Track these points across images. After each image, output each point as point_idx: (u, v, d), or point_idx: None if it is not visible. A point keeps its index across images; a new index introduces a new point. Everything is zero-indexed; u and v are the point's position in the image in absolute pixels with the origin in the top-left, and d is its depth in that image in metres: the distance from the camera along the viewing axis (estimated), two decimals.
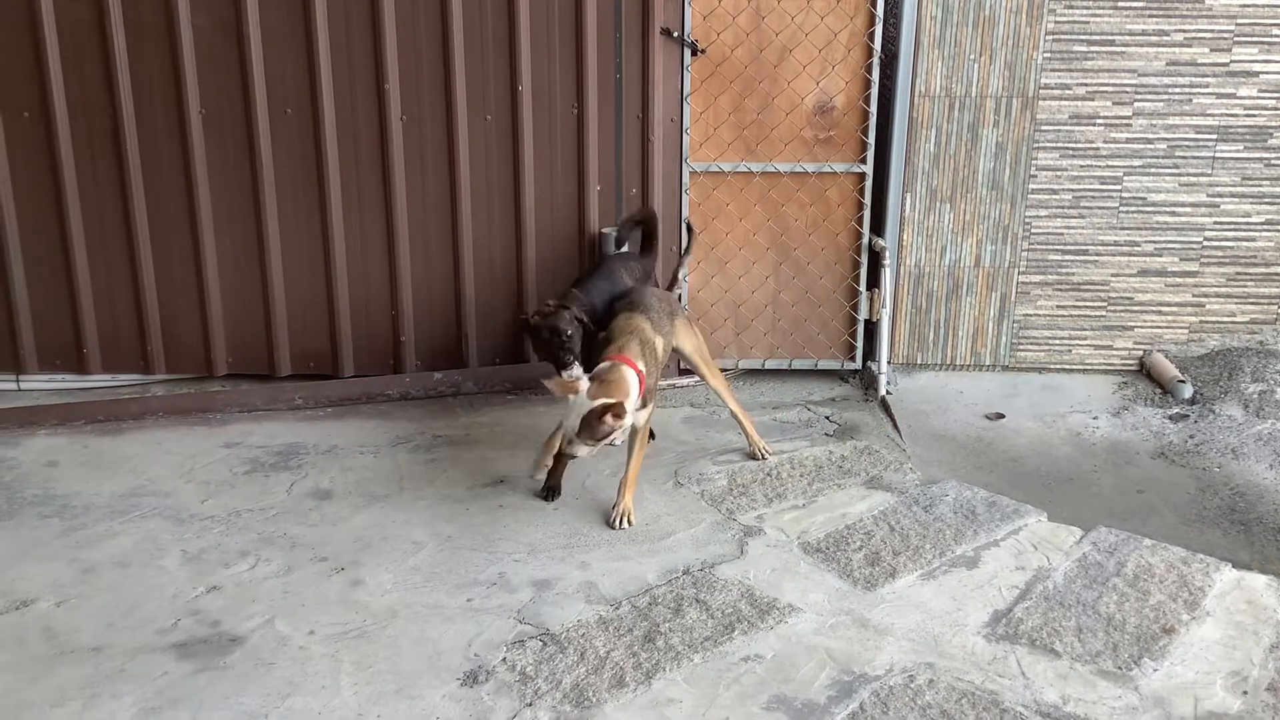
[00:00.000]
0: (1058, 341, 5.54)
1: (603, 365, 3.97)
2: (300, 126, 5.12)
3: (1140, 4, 5.10)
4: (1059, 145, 5.29)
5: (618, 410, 3.75)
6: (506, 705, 3.04)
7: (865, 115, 5.21)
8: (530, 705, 3.04)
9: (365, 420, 5.02)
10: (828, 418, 5.05)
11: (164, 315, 5.33)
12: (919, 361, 5.57)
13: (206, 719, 2.99)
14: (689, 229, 5.22)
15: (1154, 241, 5.40)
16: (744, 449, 4.62)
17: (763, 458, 4.54)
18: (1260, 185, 5.32)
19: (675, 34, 5.08)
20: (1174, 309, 5.49)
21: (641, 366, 3.99)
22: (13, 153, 5.11)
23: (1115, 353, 5.55)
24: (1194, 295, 5.47)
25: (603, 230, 5.22)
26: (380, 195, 5.20)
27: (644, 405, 4.03)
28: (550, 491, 4.26)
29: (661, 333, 4.26)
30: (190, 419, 5.03)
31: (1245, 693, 3.10)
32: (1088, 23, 5.13)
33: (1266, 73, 5.18)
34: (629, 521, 4.06)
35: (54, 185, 5.14)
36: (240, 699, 3.07)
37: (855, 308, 5.42)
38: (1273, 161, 5.28)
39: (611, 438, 3.83)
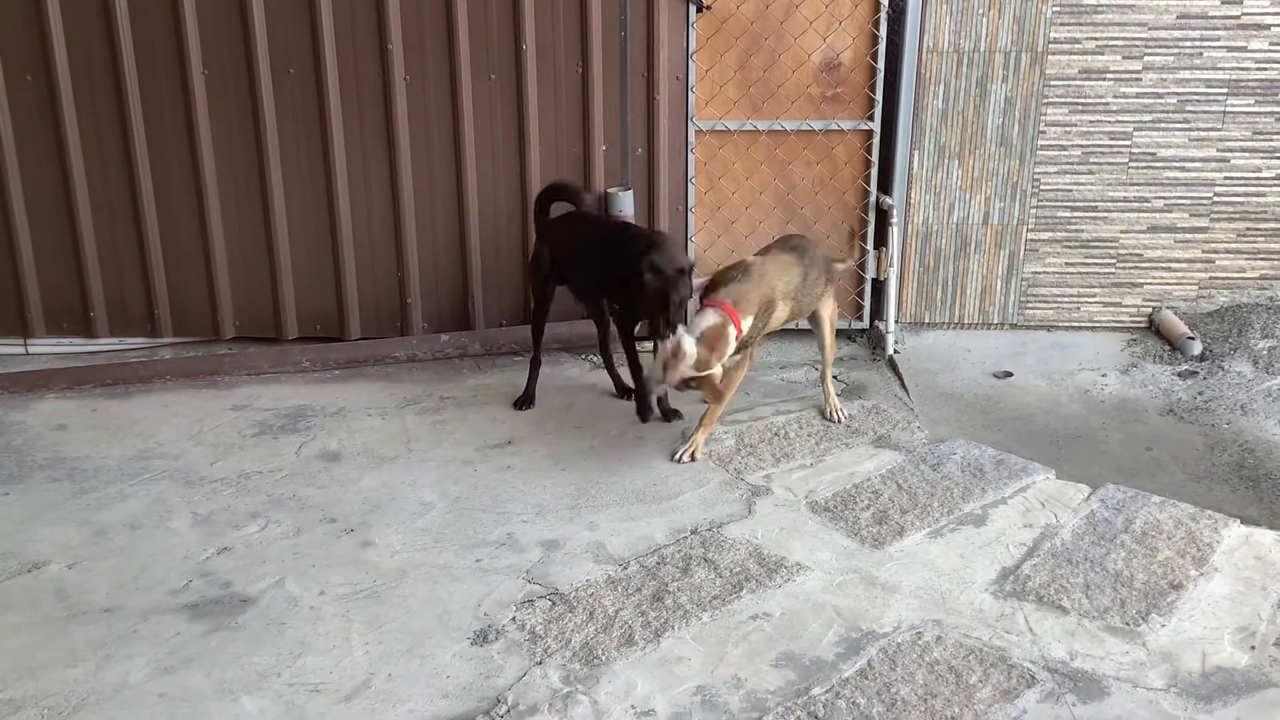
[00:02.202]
0: (1066, 299, 5.51)
1: (707, 318, 4.03)
2: (303, 87, 5.08)
3: None
4: (1068, 100, 5.24)
5: (675, 363, 3.94)
6: (516, 664, 3.06)
7: (873, 72, 5.16)
8: (540, 664, 3.05)
9: (373, 382, 5.03)
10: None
11: (170, 278, 5.32)
12: (926, 320, 5.56)
13: (219, 678, 3.01)
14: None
15: (1164, 197, 5.36)
16: (748, 409, 4.63)
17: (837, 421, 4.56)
18: (1271, 140, 5.27)
19: None
20: (1183, 265, 5.46)
21: (744, 319, 4.06)
22: (16, 116, 5.09)
23: (1124, 310, 5.53)
24: (1204, 251, 5.44)
25: (609, 190, 5.19)
26: (385, 156, 5.18)
27: (739, 350, 4.13)
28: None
29: (792, 296, 4.29)
30: (198, 382, 5.03)
31: (1253, 647, 3.11)
32: None
33: (1278, 25, 5.11)
34: (692, 457, 4.19)
35: (58, 148, 5.12)
36: (252, 659, 3.09)
37: (862, 266, 5.39)
38: None
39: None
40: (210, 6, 4.98)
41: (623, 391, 4.77)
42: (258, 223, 5.25)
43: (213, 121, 5.12)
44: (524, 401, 4.71)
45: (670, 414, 4.54)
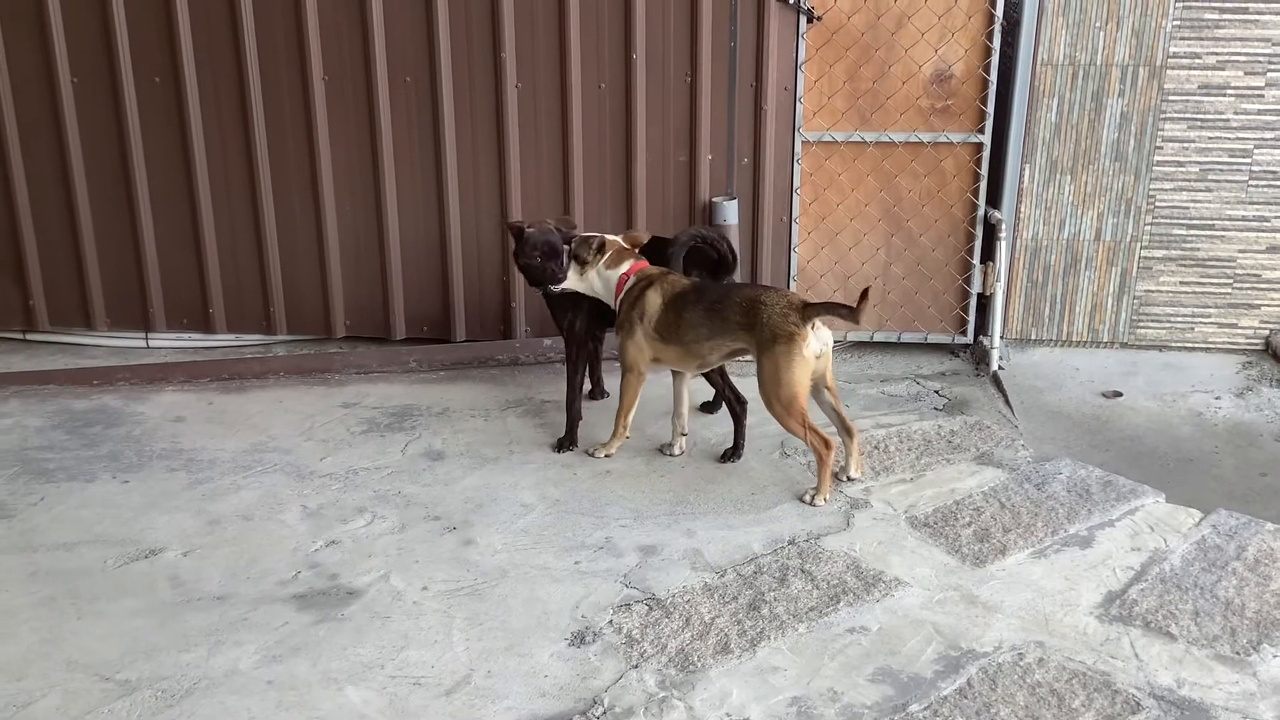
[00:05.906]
0: (1180, 319, 5.38)
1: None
2: (419, 94, 5.20)
3: None
4: (1187, 116, 5.12)
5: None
6: (613, 666, 3.09)
7: (984, 84, 5.10)
8: (636, 667, 3.08)
9: (476, 384, 5.11)
10: (937, 392, 4.99)
11: (286, 277, 5.48)
12: (1033, 337, 5.47)
13: (325, 668, 3.09)
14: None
15: None
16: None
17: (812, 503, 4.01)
18: None
19: (791, 0, 5.03)
20: None
21: (631, 278, 4.23)
22: (144, 117, 5.29)
23: (1240, 331, 5.37)
24: None
25: (713, 199, 5.21)
26: (495, 162, 5.26)
27: (623, 322, 4.23)
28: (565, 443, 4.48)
29: (679, 316, 4.11)
30: (310, 379, 5.17)
31: None
32: None
33: None
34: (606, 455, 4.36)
35: (183, 149, 5.31)
36: (357, 650, 3.17)
37: (968, 281, 5.33)
38: None
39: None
40: (332, 14, 5.12)
41: (705, 406, 4.74)
42: (371, 225, 5.38)
43: (331, 126, 5.26)
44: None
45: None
